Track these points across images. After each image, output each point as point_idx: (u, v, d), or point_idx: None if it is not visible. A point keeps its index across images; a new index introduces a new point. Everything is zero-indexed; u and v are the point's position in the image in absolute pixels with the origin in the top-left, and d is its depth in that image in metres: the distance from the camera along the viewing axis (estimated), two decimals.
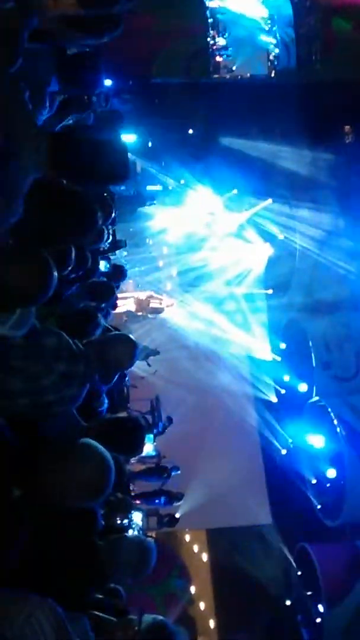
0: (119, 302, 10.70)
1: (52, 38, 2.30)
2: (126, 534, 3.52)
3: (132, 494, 11.25)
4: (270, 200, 16.25)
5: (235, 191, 16.22)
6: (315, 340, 15.80)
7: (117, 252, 11.70)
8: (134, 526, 9.33)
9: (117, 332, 4.49)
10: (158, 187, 16.10)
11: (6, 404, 2.47)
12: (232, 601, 13.97)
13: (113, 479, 2.19)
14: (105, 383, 3.52)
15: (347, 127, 16.11)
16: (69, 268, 3.26)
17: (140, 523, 10.06)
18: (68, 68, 3.05)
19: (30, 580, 2.09)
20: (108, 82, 10.82)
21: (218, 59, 16.14)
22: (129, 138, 14.27)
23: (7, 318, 2.18)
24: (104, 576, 2.76)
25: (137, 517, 9.71)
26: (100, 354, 2.88)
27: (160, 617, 2.70)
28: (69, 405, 2.74)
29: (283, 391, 16.23)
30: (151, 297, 15.69)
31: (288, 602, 14.66)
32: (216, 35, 16.15)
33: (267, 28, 16.47)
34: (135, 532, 9.31)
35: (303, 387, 15.94)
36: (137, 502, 11.62)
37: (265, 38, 16.45)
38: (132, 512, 8.90)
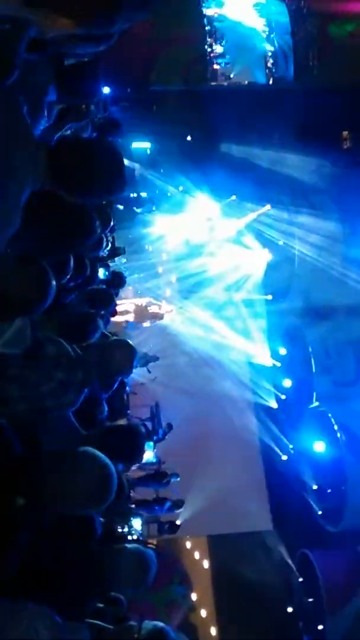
0: (118, 308, 10.71)
1: (50, 47, 2.31)
2: (127, 544, 3.49)
3: (132, 500, 11.22)
4: (269, 206, 16.28)
5: (234, 197, 16.26)
6: (315, 346, 15.78)
7: (116, 259, 11.73)
8: (133, 532, 9.29)
9: (116, 337, 4.49)
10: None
11: (4, 409, 2.47)
12: (233, 608, 13.90)
13: (115, 487, 2.19)
14: (105, 389, 3.52)
15: (344, 133, 16.18)
16: (68, 276, 3.27)
17: (139, 529, 10.02)
18: (66, 77, 3.06)
19: (31, 589, 2.08)
20: (106, 90, 10.86)
21: (215, 66, 16.19)
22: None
23: (2, 333, 2.19)
24: (104, 586, 2.75)
25: (136, 523, 9.68)
26: (99, 359, 2.89)
27: (161, 624, 2.68)
28: (66, 409, 2.76)
29: (283, 397, 16.21)
30: (150, 303, 15.70)
31: (290, 609, 14.60)
32: (213, 43, 16.22)
33: (264, 36, 16.55)
34: (135, 537, 9.27)
35: (303, 393, 15.91)
36: (137, 508, 11.59)
37: (263, 46, 16.52)
38: (132, 518, 8.88)
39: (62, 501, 2.11)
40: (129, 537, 8.54)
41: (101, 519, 2.97)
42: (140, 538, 9.95)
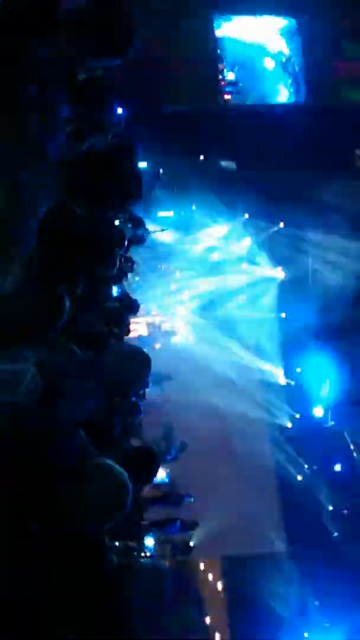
0: (131, 326, 10.72)
1: (64, 60, 2.29)
2: (140, 559, 3.45)
3: (145, 521, 11.11)
4: (281, 224, 16.32)
5: (246, 216, 16.30)
6: (330, 365, 15.70)
7: (129, 276, 11.76)
8: (146, 549, 9.19)
9: (130, 345, 4.49)
10: (170, 213, 16.15)
11: (18, 416, 2.46)
12: (248, 632, 13.66)
13: (130, 496, 2.17)
14: (119, 401, 3.51)
15: (358, 152, 16.23)
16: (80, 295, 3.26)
17: (151, 546, 9.90)
18: (80, 94, 3.06)
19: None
20: (119, 110, 10.95)
21: (226, 96, 15.99)
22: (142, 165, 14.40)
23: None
24: (116, 601, 2.69)
25: (149, 541, 9.57)
26: (114, 367, 2.89)
27: None
28: (78, 416, 2.75)
29: (298, 416, 16.09)
30: (163, 321, 15.71)
31: (306, 634, 14.33)
32: (224, 69, 16.07)
33: (277, 59, 16.50)
34: (148, 555, 9.19)
35: (318, 412, 15.79)
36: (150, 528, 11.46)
37: (275, 72, 16.46)
38: (145, 537, 8.78)
39: (78, 512, 2.08)
40: (142, 554, 8.46)
41: (115, 544, 2.92)
42: (153, 555, 9.85)
